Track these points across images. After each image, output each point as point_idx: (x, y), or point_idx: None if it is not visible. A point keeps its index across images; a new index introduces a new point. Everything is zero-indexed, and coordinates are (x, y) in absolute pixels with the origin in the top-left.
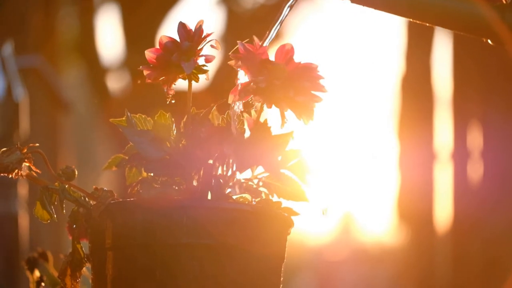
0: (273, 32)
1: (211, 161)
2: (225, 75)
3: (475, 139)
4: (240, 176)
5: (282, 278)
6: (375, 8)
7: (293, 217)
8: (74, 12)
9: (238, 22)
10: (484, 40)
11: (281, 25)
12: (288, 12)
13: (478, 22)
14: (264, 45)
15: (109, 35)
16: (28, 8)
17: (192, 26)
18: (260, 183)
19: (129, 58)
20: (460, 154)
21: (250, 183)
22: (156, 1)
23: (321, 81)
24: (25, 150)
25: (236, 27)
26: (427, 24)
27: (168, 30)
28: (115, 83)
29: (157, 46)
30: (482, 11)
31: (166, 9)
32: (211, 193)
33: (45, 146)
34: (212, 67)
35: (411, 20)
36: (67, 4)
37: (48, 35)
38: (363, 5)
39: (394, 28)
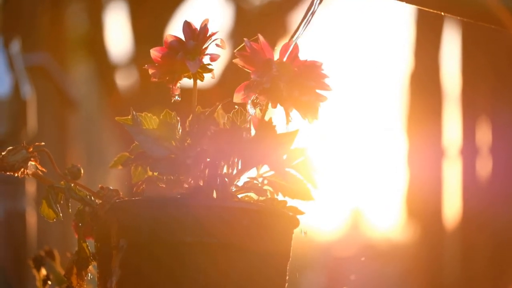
0: (302, 29)
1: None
2: (233, 72)
3: (484, 135)
4: (245, 175)
5: (287, 277)
6: None
7: (299, 215)
8: (82, 9)
9: (246, 18)
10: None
11: (310, 20)
12: (317, 7)
13: (500, 13)
14: (294, 41)
15: (117, 32)
16: (35, 6)
17: (197, 24)
18: (265, 182)
19: (137, 55)
20: (469, 150)
21: (255, 181)
22: None
23: (326, 80)
24: (31, 149)
25: (244, 23)
26: (453, 16)
27: (176, 26)
28: (123, 80)
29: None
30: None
31: (174, 6)
32: (216, 192)
33: (53, 143)
34: (219, 64)
35: (417, 7)
36: (74, 2)
37: (56, 33)
38: None
39: (402, 24)
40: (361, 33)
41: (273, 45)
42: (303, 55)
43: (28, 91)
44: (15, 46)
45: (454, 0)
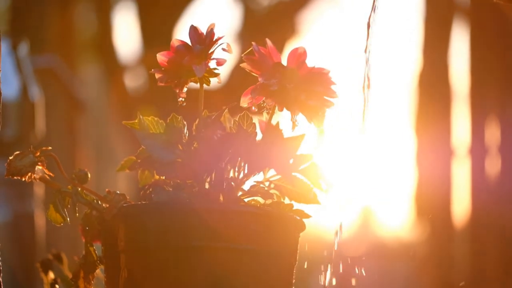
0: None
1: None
2: (241, 73)
3: (493, 134)
4: (251, 178)
5: (297, 276)
6: None
7: (305, 219)
8: (90, 11)
9: (255, 19)
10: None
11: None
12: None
13: None
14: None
15: (126, 33)
16: (43, 8)
17: (204, 29)
18: (272, 186)
19: (146, 55)
20: (478, 150)
21: (261, 185)
22: None
23: (333, 87)
24: (38, 153)
25: (253, 24)
26: None
27: (185, 27)
28: (132, 81)
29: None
30: None
31: (183, 6)
32: (222, 196)
33: (62, 145)
34: (228, 65)
35: None
36: (83, 3)
37: (64, 35)
38: None
39: (411, 23)
40: (370, 33)
41: (281, 45)
42: (311, 62)
43: (36, 93)
44: (24, 48)
45: None
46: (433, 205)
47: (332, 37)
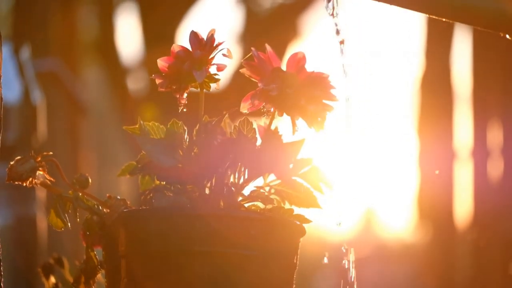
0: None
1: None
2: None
3: (495, 136)
4: (252, 183)
5: (300, 279)
6: (392, 4)
7: (305, 224)
8: (92, 14)
9: (257, 21)
10: (502, 35)
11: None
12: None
13: (497, 17)
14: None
15: (128, 36)
16: (46, 12)
17: (204, 34)
18: (272, 191)
19: (148, 58)
20: (480, 152)
21: (261, 190)
22: (175, 0)
23: (333, 91)
24: (39, 158)
25: (255, 26)
26: (445, 20)
27: (187, 29)
28: (134, 84)
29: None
30: (501, 6)
31: (185, 9)
32: (223, 201)
33: (63, 149)
34: (231, 66)
35: (430, 16)
36: (85, 7)
37: (66, 38)
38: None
39: (413, 25)
40: (373, 35)
41: (283, 47)
42: (310, 64)
43: (38, 97)
44: (25, 52)
45: (469, 10)
46: (435, 207)
47: (335, 39)
